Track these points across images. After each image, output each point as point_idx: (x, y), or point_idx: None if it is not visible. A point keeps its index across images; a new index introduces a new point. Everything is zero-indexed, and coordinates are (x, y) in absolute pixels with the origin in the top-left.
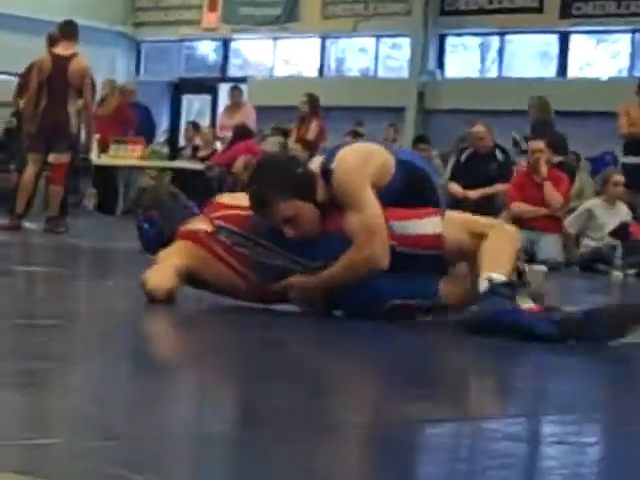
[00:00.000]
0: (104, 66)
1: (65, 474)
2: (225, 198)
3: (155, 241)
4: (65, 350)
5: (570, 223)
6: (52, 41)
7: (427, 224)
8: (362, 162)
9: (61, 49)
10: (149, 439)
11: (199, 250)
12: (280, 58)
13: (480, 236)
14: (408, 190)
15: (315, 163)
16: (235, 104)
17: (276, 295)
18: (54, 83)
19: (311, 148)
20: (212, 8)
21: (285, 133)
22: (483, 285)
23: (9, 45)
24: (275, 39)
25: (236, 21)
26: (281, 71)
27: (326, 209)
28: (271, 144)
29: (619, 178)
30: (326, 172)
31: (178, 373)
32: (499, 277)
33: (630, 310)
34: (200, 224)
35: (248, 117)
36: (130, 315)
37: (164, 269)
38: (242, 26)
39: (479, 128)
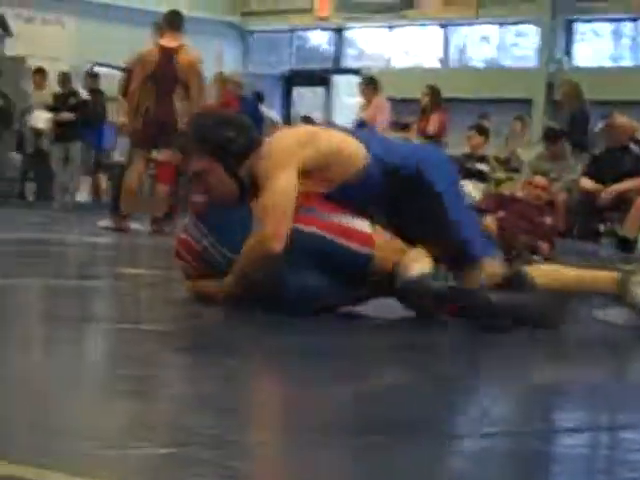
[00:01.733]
0: (211, 59)
1: None
2: None
3: None
4: (172, 356)
5: None
6: (158, 32)
7: (356, 221)
8: (298, 143)
9: (167, 41)
10: (255, 445)
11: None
12: (397, 48)
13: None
14: (395, 192)
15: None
16: (367, 100)
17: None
18: (161, 76)
19: (432, 142)
20: None
21: (404, 127)
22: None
23: (110, 36)
24: (391, 28)
25: (350, 9)
26: (398, 62)
27: (252, 189)
28: None
29: None
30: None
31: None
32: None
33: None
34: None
35: (378, 110)
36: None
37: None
38: (356, 14)
39: (616, 121)
